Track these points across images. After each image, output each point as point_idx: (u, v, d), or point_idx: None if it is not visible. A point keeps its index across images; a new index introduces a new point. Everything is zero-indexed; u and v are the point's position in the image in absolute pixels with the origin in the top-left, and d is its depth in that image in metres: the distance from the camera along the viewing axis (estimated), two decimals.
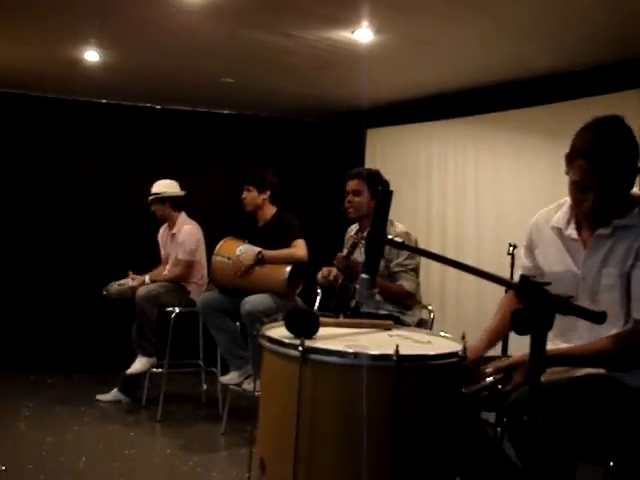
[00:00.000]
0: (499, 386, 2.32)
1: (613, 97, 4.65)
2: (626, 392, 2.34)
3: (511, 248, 4.70)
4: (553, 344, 2.52)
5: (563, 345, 2.48)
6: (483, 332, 2.75)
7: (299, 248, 4.77)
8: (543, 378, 2.23)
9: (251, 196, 5.00)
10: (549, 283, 1.66)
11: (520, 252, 2.79)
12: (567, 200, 2.57)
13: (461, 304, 5.78)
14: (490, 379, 2.33)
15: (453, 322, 5.62)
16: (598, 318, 1.60)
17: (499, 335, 2.79)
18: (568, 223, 2.55)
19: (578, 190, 2.40)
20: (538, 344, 1.64)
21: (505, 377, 2.33)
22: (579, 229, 2.52)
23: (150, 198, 5.67)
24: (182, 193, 5.75)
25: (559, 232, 2.57)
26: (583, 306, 1.63)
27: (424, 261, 4.28)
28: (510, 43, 4.55)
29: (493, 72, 5.27)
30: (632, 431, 2.37)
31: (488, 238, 5.63)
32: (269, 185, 5.03)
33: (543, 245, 2.65)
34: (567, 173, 2.44)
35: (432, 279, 5.80)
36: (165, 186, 5.70)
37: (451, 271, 5.83)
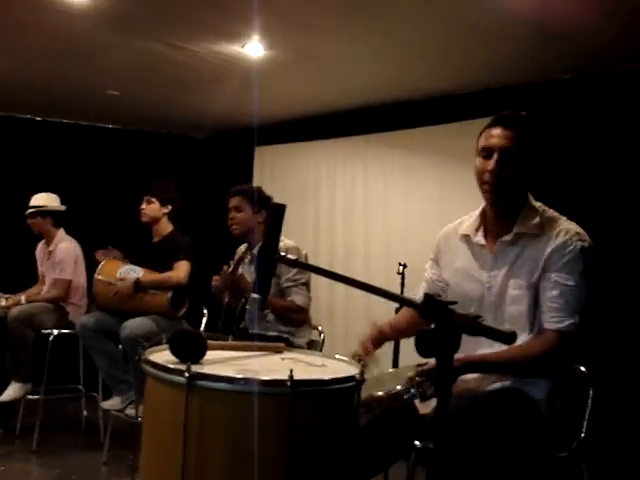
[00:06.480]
0: (420, 390, 2.25)
1: None
2: (530, 404, 2.35)
3: (401, 267, 4.69)
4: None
5: None
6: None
7: (178, 270, 4.63)
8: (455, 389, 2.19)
9: (151, 208, 4.81)
10: (455, 302, 1.59)
11: (426, 265, 2.74)
12: (478, 209, 2.56)
13: (350, 324, 5.75)
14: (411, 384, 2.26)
15: (343, 342, 5.57)
16: (508, 339, 1.54)
17: (401, 328, 2.81)
18: (477, 230, 2.54)
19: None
20: (444, 366, 1.56)
21: (427, 381, 2.25)
22: (486, 236, 2.51)
23: (29, 211, 5.37)
24: (63, 208, 5.49)
25: (467, 239, 2.56)
26: (491, 326, 1.57)
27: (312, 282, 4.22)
28: (401, 63, 4.61)
29: (383, 91, 5.32)
30: (535, 444, 2.36)
31: (377, 257, 5.63)
32: (171, 200, 4.87)
33: (450, 254, 2.63)
34: (476, 164, 2.44)
35: (320, 299, 5.73)
36: (47, 199, 5.41)
37: (339, 291, 5.82)
